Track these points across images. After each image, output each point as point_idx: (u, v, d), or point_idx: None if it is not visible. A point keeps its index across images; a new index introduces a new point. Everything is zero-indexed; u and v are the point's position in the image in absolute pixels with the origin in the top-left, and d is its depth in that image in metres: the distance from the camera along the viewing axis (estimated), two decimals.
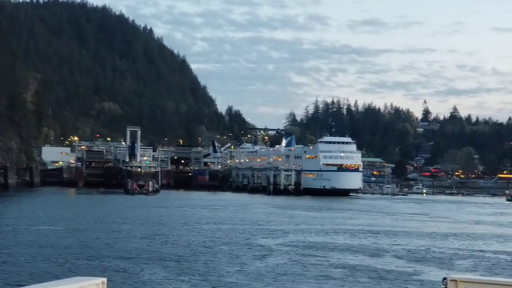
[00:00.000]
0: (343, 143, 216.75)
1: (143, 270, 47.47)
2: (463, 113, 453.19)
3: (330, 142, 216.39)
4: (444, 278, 15.91)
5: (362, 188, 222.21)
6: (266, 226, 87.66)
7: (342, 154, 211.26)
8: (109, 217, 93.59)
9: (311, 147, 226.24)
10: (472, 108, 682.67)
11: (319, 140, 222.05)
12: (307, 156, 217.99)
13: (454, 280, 15.57)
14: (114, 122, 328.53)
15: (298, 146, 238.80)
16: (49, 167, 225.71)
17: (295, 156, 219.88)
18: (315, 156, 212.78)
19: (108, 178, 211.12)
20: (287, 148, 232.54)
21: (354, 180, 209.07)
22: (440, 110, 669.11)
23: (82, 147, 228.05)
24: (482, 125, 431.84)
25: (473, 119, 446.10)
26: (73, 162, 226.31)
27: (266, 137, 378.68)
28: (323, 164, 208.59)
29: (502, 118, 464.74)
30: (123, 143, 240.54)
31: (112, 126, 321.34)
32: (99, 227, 79.08)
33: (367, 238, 75.36)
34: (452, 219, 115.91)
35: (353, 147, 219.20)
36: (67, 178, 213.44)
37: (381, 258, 57.94)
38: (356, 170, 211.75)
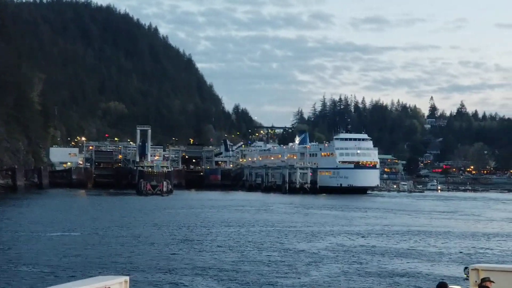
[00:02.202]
0: (359, 139, 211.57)
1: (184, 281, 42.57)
2: (467, 109, 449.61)
3: (346, 139, 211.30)
4: (466, 267, 17.73)
5: (379, 185, 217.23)
6: (298, 227, 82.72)
7: (358, 151, 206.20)
8: (132, 221, 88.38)
9: (326, 144, 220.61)
10: (476, 104, 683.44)
11: (334, 137, 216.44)
12: (322, 153, 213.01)
13: (476, 269, 17.10)
14: (120, 122, 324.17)
15: (312, 143, 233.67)
16: (57, 168, 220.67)
17: (310, 154, 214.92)
18: (331, 154, 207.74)
19: (118, 178, 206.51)
20: (302, 145, 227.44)
21: (372, 178, 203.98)
22: (444, 106, 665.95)
23: (91, 147, 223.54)
24: (490, 121, 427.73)
25: (479, 115, 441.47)
26: (81, 163, 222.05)
27: (273, 136, 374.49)
28: (339, 161, 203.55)
29: (506, 114, 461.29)
30: (131, 143, 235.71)
31: (118, 126, 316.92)
32: (126, 232, 73.87)
33: (414, 240, 70.24)
34: (485, 217, 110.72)
35: (370, 143, 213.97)
36: (76, 179, 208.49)
37: (442, 263, 52.78)
38: (373, 167, 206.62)
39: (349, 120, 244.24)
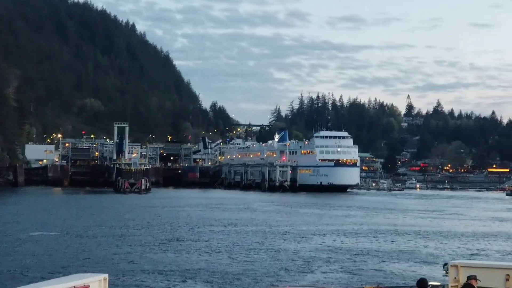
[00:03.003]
0: (339, 137, 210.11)
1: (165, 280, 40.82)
2: (443, 108, 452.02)
3: (326, 137, 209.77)
4: (445, 264, 17.88)
5: (359, 183, 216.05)
6: (284, 227, 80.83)
7: (339, 149, 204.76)
8: (111, 220, 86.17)
9: (306, 142, 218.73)
10: (451, 103, 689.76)
11: (315, 134, 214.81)
12: (302, 151, 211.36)
13: (455, 266, 17.36)
14: (97, 119, 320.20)
15: (292, 141, 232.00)
16: (33, 166, 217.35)
17: (290, 152, 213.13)
18: (311, 151, 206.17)
19: (95, 176, 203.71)
20: (281, 143, 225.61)
21: (352, 176, 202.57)
22: (419, 105, 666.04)
23: (67, 145, 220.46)
24: (466, 120, 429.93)
25: (455, 114, 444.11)
26: (57, 160, 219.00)
27: (250, 133, 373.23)
28: (319, 159, 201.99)
29: (481, 113, 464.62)
30: (107, 140, 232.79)
31: (94, 123, 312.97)
32: (105, 231, 71.65)
33: (403, 240, 68.73)
34: (470, 216, 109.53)
35: (350, 141, 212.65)
36: (52, 177, 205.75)
37: (430, 263, 51.23)
38: (354, 165, 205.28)
39: (329, 117, 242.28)
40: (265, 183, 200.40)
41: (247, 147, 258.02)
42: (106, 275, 14.76)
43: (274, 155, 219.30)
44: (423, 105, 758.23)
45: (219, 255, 54.68)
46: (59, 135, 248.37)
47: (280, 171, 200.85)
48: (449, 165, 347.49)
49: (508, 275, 17.18)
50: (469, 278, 16.87)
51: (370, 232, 75.67)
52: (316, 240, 66.69)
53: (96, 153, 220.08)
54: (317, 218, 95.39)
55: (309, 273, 45.95)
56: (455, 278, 17.68)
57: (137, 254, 54.24)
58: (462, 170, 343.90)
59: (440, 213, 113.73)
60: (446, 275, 17.88)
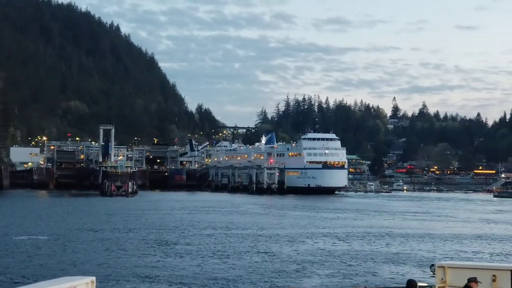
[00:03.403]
0: (327, 139, 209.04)
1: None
2: (429, 110, 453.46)
3: (314, 139, 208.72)
4: (432, 265, 17.96)
5: (347, 186, 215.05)
6: (275, 230, 79.60)
7: (326, 151, 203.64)
8: (99, 223, 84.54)
9: (294, 144, 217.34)
10: (436, 105, 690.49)
11: (302, 137, 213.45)
12: (290, 153, 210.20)
13: (442, 267, 17.47)
14: (81, 121, 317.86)
15: (279, 143, 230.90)
16: (18, 169, 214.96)
17: (278, 154, 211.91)
18: (299, 154, 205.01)
19: (81, 179, 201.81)
20: (268, 145, 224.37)
21: (340, 178, 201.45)
22: (405, 107, 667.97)
23: (52, 147, 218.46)
24: (451, 122, 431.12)
25: (440, 116, 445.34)
26: (42, 163, 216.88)
27: (230, 135, 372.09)
28: (307, 161, 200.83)
29: (466, 115, 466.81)
30: (93, 143, 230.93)
31: (79, 126, 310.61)
32: (93, 235, 70.15)
33: (395, 242, 67.67)
34: (460, 218, 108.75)
35: (338, 143, 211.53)
36: (38, 179, 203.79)
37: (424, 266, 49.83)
38: (342, 167, 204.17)
39: (316, 120, 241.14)
40: (252, 186, 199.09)
41: (234, 149, 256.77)
42: (94, 278, 14.77)
43: (262, 158, 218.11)
44: (409, 107, 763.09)
45: (211, 259, 53.49)
46: (44, 138, 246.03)
47: (267, 174, 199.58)
48: (435, 167, 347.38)
49: (494, 275, 17.26)
50: (469, 280, 16.70)
51: (363, 235, 74.65)
52: (309, 243, 65.68)
53: (82, 156, 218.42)
54: (309, 221, 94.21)
55: (304, 277, 44.96)
56: (442, 279, 17.72)
57: (125, 258, 53.29)
58: (448, 172, 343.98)
59: (431, 215, 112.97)
60: (433, 276, 17.87)
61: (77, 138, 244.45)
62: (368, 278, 44.92)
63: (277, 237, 71.43)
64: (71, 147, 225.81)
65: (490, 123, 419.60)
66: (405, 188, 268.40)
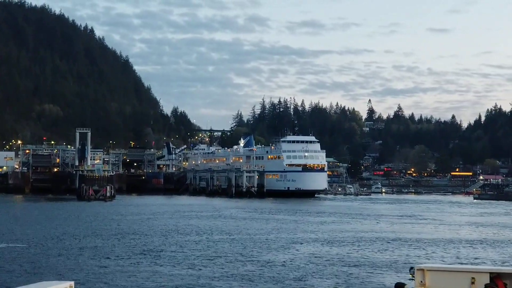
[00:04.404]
0: (307, 142, 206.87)
1: None
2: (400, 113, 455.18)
3: (293, 142, 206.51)
4: (411, 268, 17.74)
5: (327, 188, 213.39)
6: (269, 235, 77.77)
7: (306, 154, 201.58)
8: (83, 230, 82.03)
9: (273, 147, 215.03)
10: (410, 107, 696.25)
11: (281, 139, 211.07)
12: (269, 156, 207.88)
13: (421, 269, 17.52)
14: (56, 124, 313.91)
15: (258, 146, 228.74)
16: None
17: (257, 157, 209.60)
18: (278, 157, 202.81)
19: (57, 183, 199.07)
20: (247, 148, 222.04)
21: (320, 181, 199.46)
22: (379, 109, 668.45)
23: (27, 151, 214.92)
24: (426, 124, 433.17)
25: (415, 118, 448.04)
26: (18, 167, 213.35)
27: (207, 138, 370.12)
28: (286, 164, 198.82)
29: (440, 117, 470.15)
30: (68, 146, 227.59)
31: (53, 129, 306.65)
32: (73, 242, 67.65)
33: (385, 247, 66.16)
34: (446, 221, 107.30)
35: (317, 146, 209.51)
36: (13, 184, 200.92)
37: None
38: (322, 170, 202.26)
39: (296, 122, 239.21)
40: (232, 189, 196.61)
41: (212, 152, 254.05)
42: (72, 283, 14.71)
43: (241, 160, 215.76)
44: (383, 110, 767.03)
45: (199, 267, 51.60)
46: (19, 142, 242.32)
47: (247, 177, 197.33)
48: (412, 169, 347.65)
49: (473, 278, 17.31)
50: (486, 286, 16.69)
51: (354, 240, 72.95)
52: (302, 249, 64.00)
53: (58, 160, 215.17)
54: (296, 225, 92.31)
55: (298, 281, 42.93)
56: (421, 281, 17.63)
57: (107, 264, 51.87)
58: (425, 174, 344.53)
59: (417, 219, 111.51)
60: (412, 279, 17.69)
61: (52, 142, 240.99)
62: (371, 285, 43.12)
63: (268, 242, 69.46)
64: (47, 151, 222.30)
65: (464, 125, 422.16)
66: (383, 190, 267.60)
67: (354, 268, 51.60)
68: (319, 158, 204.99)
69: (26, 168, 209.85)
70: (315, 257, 58.29)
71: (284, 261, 55.18)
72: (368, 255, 60.04)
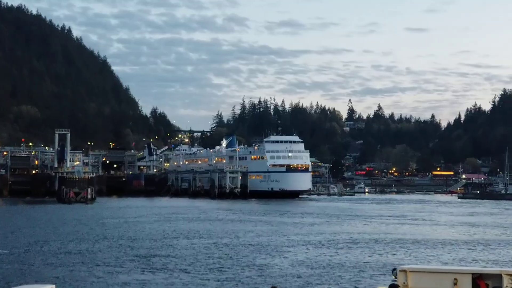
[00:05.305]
0: (290, 142, 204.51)
1: None
2: (380, 112, 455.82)
3: (277, 142, 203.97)
4: (394, 269, 18.64)
5: (311, 189, 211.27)
6: (260, 238, 75.09)
7: (290, 154, 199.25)
8: (60, 234, 78.85)
9: (256, 147, 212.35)
10: (389, 107, 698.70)
11: (265, 139, 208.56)
12: (252, 156, 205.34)
13: (404, 271, 18.12)
14: (34, 126, 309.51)
15: (241, 146, 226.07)
16: None
17: (240, 157, 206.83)
18: (262, 157, 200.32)
19: (36, 185, 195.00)
20: (230, 149, 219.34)
21: (304, 181, 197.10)
22: (358, 109, 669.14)
23: (5, 153, 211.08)
24: (406, 123, 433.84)
25: (395, 118, 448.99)
26: None
27: (187, 139, 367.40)
28: (270, 165, 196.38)
29: (419, 116, 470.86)
30: (46, 148, 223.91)
31: (31, 131, 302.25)
32: (55, 247, 64.58)
33: (379, 248, 63.99)
34: (437, 221, 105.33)
35: (301, 146, 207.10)
36: None
37: None
38: (306, 170, 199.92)
39: (279, 122, 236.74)
40: (214, 190, 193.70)
41: (194, 153, 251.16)
42: (53, 286, 14.70)
43: (223, 161, 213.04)
44: (362, 109, 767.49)
45: (193, 273, 48.75)
46: None
47: (230, 178, 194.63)
48: (394, 169, 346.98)
49: (455, 279, 17.47)
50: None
51: (348, 242, 70.59)
52: (299, 253, 61.43)
53: (36, 162, 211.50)
54: (287, 227, 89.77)
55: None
56: (404, 283, 17.64)
57: (89, 268, 49.79)
58: (407, 173, 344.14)
59: (406, 219, 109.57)
60: (394, 281, 17.69)
61: (30, 144, 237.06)
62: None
63: (261, 246, 66.79)
64: (25, 153, 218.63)
65: (444, 124, 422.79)
66: (367, 190, 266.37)
67: (348, 270, 49.17)
68: (303, 158, 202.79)
69: (4, 170, 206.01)
70: (308, 259, 56.23)
71: (276, 265, 52.90)
72: (360, 257, 57.95)
